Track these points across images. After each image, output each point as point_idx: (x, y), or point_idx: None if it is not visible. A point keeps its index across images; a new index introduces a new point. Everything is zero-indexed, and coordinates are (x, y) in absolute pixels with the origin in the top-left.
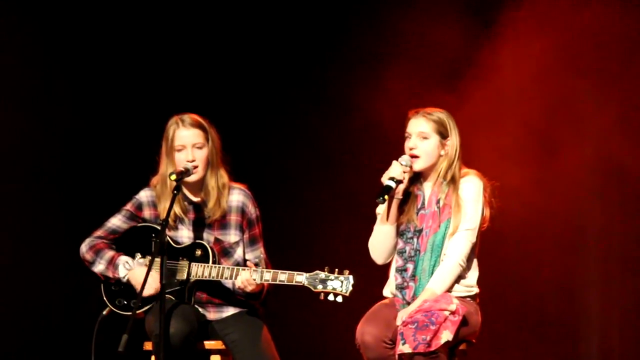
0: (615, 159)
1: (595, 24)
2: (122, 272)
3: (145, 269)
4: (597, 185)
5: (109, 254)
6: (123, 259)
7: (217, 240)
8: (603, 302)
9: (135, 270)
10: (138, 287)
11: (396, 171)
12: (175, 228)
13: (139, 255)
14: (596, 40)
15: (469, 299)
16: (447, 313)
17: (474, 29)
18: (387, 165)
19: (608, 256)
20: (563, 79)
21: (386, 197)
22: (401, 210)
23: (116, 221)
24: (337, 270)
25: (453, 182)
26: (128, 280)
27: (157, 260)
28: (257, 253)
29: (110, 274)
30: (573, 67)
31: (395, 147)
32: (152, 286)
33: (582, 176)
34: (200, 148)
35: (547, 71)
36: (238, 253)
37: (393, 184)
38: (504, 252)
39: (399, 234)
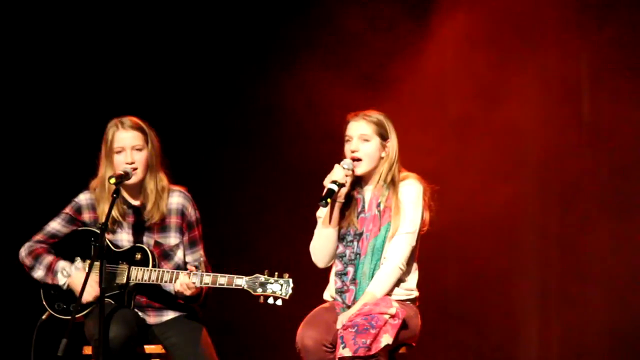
0: (553, 150)
1: (526, 8)
2: (61, 280)
3: (84, 274)
4: (536, 180)
5: (48, 259)
6: (61, 265)
7: (157, 244)
8: (543, 298)
9: (74, 276)
10: (78, 292)
11: (339, 174)
12: (115, 231)
13: (78, 260)
14: (533, 24)
15: (408, 302)
16: (387, 317)
17: (401, 21)
18: (332, 168)
19: (547, 251)
20: (499, 69)
21: (329, 200)
22: (342, 214)
23: (56, 225)
24: (277, 273)
25: (393, 184)
26: (68, 287)
27: (97, 264)
28: (196, 256)
29: (49, 281)
30: (507, 54)
31: (340, 147)
32: (91, 293)
33: (519, 170)
34: (139, 150)
35: (480, 63)
36: (178, 256)
37: (336, 188)
38: (443, 253)
39: (339, 237)
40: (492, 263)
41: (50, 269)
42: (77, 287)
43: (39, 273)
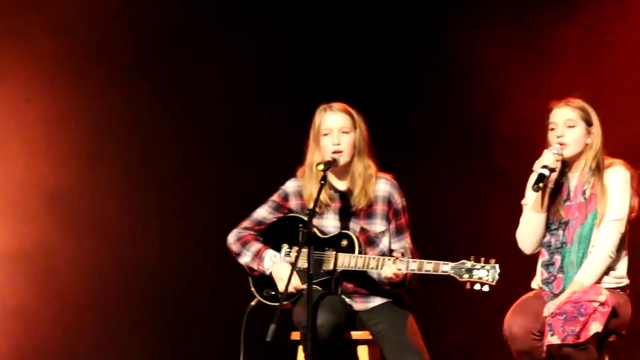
0: None
1: None
2: (267, 264)
3: (288, 266)
4: None
5: (256, 246)
6: (270, 253)
7: (363, 230)
8: None
9: (279, 265)
10: (278, 282)
11: (549, 159)
12: (322, 217)
13: (285, 247)
14: None
15: (618, 290)
16: (596, 304)
17: None
18: (536, 156)
19: None
20: None
21: (541, 185)
22: (548, 201)
23: (262, 212)
24: (483, 259)
25: (598, 171)
26: (271, 274)
27: (304, 250)
28: (403, 243)
29: (255, 266)
30: None
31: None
32: (293, 284)
33: None
34: (346, 133)
35: None
36: (384, 243)
37: (547, 172)
38: None
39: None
40: None
41: (258, 255)
42: (279, 277)
43: (246, 259)
